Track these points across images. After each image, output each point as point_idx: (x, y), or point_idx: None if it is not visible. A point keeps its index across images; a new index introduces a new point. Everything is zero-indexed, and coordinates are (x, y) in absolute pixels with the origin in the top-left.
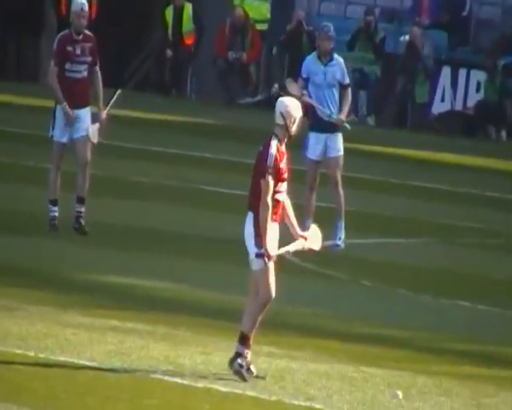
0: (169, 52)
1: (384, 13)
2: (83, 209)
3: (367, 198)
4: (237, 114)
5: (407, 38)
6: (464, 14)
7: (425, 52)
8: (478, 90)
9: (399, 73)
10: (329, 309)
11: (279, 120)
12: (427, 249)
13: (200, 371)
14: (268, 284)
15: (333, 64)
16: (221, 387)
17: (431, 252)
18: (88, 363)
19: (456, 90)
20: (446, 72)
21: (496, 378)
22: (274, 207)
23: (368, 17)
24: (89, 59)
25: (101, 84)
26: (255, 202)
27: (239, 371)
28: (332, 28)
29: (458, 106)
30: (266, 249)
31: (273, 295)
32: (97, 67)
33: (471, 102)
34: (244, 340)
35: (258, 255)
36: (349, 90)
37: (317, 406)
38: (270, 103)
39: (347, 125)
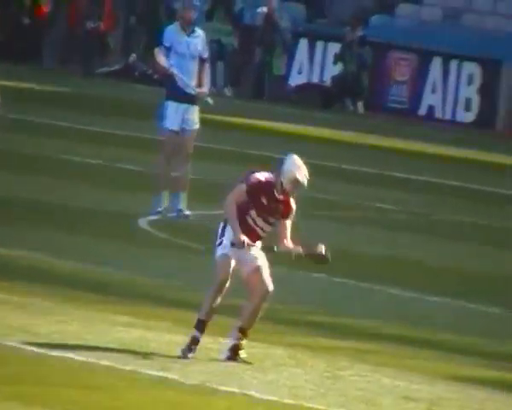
0: (25, 20)
1: None
2: None
3: (224, 170)
4: (94, 84)
5: (264, 9)
6: None
7: (282, 24)
8: (335, 62)
9: (257, 45)
10: (184, 280)
11: (279, 166)
12: None
13: (55, 340)
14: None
15: (196, 36)
16: (76, 356)
17: None
18: None
19: (313, 63)
20: (303, 44)
21: (351, 350)
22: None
23: None
24: None
25: None
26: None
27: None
28: None
29: (315, 78)
30: (238, 237)
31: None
32: None
33: (328, 75)
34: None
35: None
36: (207, 64)
37: (172, 376)
38: (127, 73)
39: (210, 100)
